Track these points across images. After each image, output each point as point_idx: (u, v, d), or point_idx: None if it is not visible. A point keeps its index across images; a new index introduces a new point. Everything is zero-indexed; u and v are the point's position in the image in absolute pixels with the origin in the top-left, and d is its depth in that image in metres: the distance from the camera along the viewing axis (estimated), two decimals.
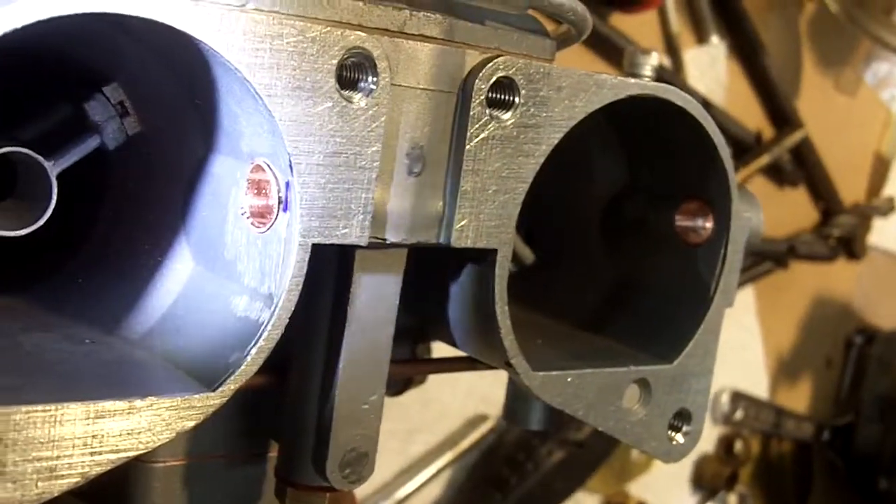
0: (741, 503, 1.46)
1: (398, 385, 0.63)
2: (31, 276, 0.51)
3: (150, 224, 0.49)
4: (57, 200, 0.44)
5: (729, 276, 0.59)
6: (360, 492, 1.09)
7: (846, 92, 1.50)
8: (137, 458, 0.50)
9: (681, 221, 0.60)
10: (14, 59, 0.49)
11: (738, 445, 1.42)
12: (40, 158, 0.43)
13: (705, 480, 1.43)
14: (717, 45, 1.30)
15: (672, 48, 1.25)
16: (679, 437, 0.59)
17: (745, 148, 1.35)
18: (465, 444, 1.10)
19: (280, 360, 0.50)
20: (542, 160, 0.48)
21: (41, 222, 0.44)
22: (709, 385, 0.60)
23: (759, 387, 1.50)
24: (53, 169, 0.44)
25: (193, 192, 0.47)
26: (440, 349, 0.62)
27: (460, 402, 1.11)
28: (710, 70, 1.30)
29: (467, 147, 0.46)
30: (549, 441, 1.09)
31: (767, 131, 1.38)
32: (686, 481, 1.44)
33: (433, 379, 1.09)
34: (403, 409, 1.06)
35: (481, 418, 1.13)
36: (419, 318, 0.60)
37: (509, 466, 1.09)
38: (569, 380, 0.52)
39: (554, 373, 0.51)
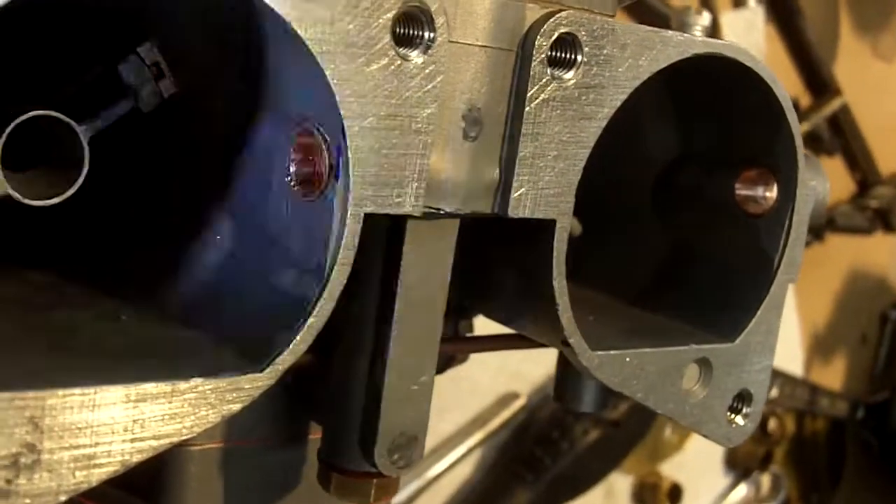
0: (775, 483, 1.44)
1: (442, 362, 0.59)
2: (61, 249, 0.48)
3: (189, 194, 0.46)
4: (90, 168, 0.41)
5: (794, 249, 0.55)
6: None
7: (884, 58, 1.45)
8: None
9: (740, 190, 0.57)
10: (45, 20, 0.46)
11: (773, 424, 1.39)
12: (71, 122, 0.39)
13: (739, 460, 1.40)
14: (754, 10, 1.26)
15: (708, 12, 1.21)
16: (739, 420, 0.56)
17: None
18: (496, 422, 1.07)
19: (324, 339, 0.47)
20: (604, 123, 0.45)
21: (73, 190, 0.41)
22: (770, 364, 0.57)
23: (793, 363, 1.47)
24: (85, 133, 0.41)
25: (234, 159, 0.44)
26: (480, 326, 0.59)
27: (491, 379, 1.09)
28: (748, 36, 1.25)
29: (526, 109, 0.42)
30: (584, 420, 1.06)
31: (805, 99, 1.34)
32: (719, 461, 1.41)
33: None
34: (434, 387, 1.04)
35: (512, 396, 1.11)
36: (464, 293, 0.57)
37: (542, 446, 1.06)
38: (627, 360, 0.49)
39: (613, 352, 0.48)
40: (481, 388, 1.09)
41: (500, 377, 1.09)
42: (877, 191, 1.42)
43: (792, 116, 0.53)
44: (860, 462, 1.51)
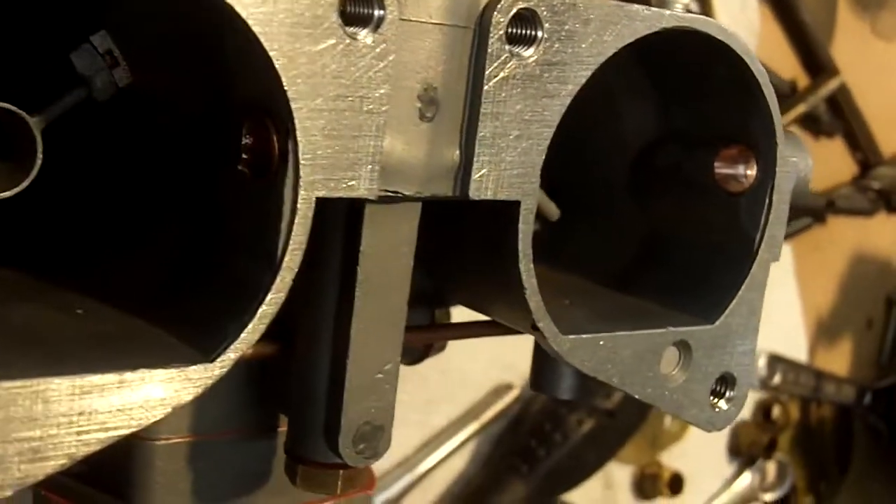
0: (780, 471, 1.42)
1: (416, 353, 0.59)
2: (17, 244, 0.47)
3: (145, 184, 0.46)
4: (48, 161, 0.40)
5: (774, 228, 0.54)
6: (380, 466, 1.06)
7: (884, 37, 1.42)
8: (138, 436, 0.47)
9: (720, 168, 0.55)
10: None
11: (777, 411, 1.37)
12: (21, 112, 0.39)
13: (743, 448, 1.38)
14: None
15: None
16: (722, 404, 0.55)
17: (780, 97, 1.29)
18: (489, 414, 1.06)
19: (287, 328, 0.46)
20: (568, 101, 0.44)
21: (26, 183, 0.40)
22: (754, 346, 0.56)
23: (797, 349, 1.45)
24: (38, 124, 0.41)
25: (188, 146, 0.43)
26: (461, 315, 0.58)
27: (482, 370, 1.07)
28: (741, 15, 1.23)
29: (485, 88, 0.41)
30: (578, 410, 1.05)
31: (802, 80, 1.32)
32: (723, 449, 1.40)
33: (452, 347, 1.05)
34: (422, 378, 1.03)
35: (505, 387, 1.09)
36: (437, 281, 0.56)
37: (536, 437, 1.05)
38: (601, 343, 0.48)
39: (585, 336, 0.47)
40: (473, 380, 1.08)
41: (493, 369, 1.08)
42: (879, 172, 1.40)
43: (769, 91, 0.51)
44: (869, 448, 1.49)
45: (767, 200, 0.53)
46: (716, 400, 0.54)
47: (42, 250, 0.47)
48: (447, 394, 1.05)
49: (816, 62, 1.32)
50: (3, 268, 0.46)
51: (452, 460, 1.06)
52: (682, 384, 0.52)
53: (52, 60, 0.45)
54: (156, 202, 0.44)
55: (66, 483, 0.49)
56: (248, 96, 0.39)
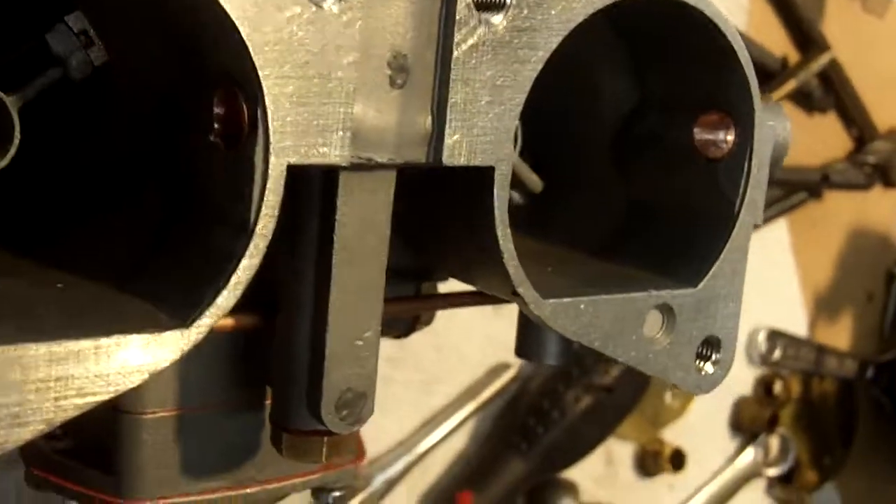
0: (783, 446, 1.42)
1: (404, 325, 0.59)
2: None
3: (123, 159, 0.46)
4: (27, 141, 0.41)
5: (755, 191, 0.54)
6: (379, 447, 1.07)
7: (874, 12, 1.42)
8: (124, 410, 0.48)
9: (700, 135, 0.56)
10: None
11: (778, 386, 1.37)
12: None
13: (744, 424, 1.38)
14: None
15: None
16: (708, 367, 0.55)
17: (770, 74, 1.28)
18: (487, 393, 1.07)
19: (269, 299, 0.47)
20: (539, 66, 0.44)
21: (5, 163, 0.41)
22: (738, 309, 0.56)
23: (797, 324, 1.45)
24: (14, 103, 0.41)
25: (163, 119, 0.44)
26: (451, 289, 0.59)
27: (479, 350, 1.08)
28: None
29: (455, 55, 0.42)
30: (575, 387, 1.05)
31: (793, 56, 1.32)
32: (724, 425, 1.40)
33: (449, 327, 1.06)
34: (418, 359, 1.03)
35: (503, 366, 1.10)
36: (422, 254, 0.56)
37: (535, 415, 1.05)
38: (582, 307, 0.48)
39: (566, 300, 0.48)
40: (471, 360, 1.08)
41: (490, 348, 1.08)
42: (874, 146, 1.39)
43: (743, 55, 0.51)
44: (872, 422, 1.49)
45: (746, 165, 0.54)
46: (701, 363, 0.55)
47: (22, 226, 0.48)
48: (444, 374, 1.06)
49: (807, 38, 1.31)
50: None
51: (451, 440, 1.06)
52: (667, 347, 0.52)
53: (27, 41, 0.46)
54: (133, 176, 0.45)
55: (54, 459, 0.50)
56: (217, 67, 0.39)
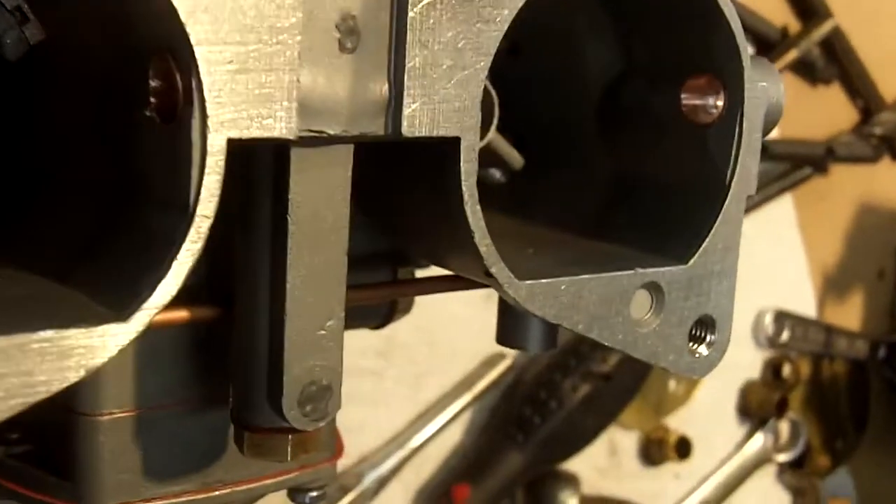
0: (793, 430, 1.38)
1: (382, 314, 0.56)
2: None
3: (67, 142, 0.43)
4: None
5: (747, 159, 0.51)
6: (372, 442, 1.04)
7: None
8: (79, 412, 0.45)
9: (687, 100, 0.52)
10: None
11: (787, 369, 1.33)
12: None
13: (753, 409, 1.35)
14: None
15: None
16: (702, 349, 0.52)
17: (770, 44, 1.24)
18: (482, 384, 1.03)
19: (227, 289, 0.44)
20: (505, 26, 0.41)
21: None
22: (733, 286, 0.53)
23: (805, 305, 1.41)
24: None
25: (105, 98, 0.41)
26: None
27: (472, 341, 1.04)
28: None
29: (410, 15, 0.38)
30: (573, 376, 1.02)
31: (793, 25, 1.28)
32: (732, 411, 1.36)
33: (439, 320, 1.03)
34: (410, 352, 1.00)
35: (498, 357, 1.06)
36: (395, 237, 0.53)
37: (531, 405, 1.02)
38: (563, 287, 0.45)
39: (544, 281, 0.44)
40: (464, 352, 1.05)
41: (483, 339, 1.05)
42: (881, 117, 1.35)
43: (729, 11, 0.48)
44: (885, 403, 1.45)
45: (737, 129, 0.50)
46: (695, 345, 0.51)
47: None
48: (437, 367, 1.02)
49: (808, 6, 1.27)
50: None
51: (446, 433, 1.03)
52: (656, 329, 0.49)
53: None
54: (74, 159, 0.42)
55: (9, 464, 0.47)
56: (150, 36, 0.36)
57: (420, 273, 0.57)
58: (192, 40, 0.34)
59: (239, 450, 0.43)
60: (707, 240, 0.50)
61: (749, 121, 0.50)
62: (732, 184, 0.50)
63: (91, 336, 0.34)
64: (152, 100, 0.36)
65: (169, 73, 0.35)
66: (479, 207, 0.42)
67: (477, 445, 1.05)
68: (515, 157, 0.57)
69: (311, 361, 0.41)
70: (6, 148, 0.45)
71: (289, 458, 0.42)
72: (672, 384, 1.22)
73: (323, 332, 0.41)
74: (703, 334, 0.52)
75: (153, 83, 0.36)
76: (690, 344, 0.51)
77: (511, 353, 1.06)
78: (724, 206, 0.50)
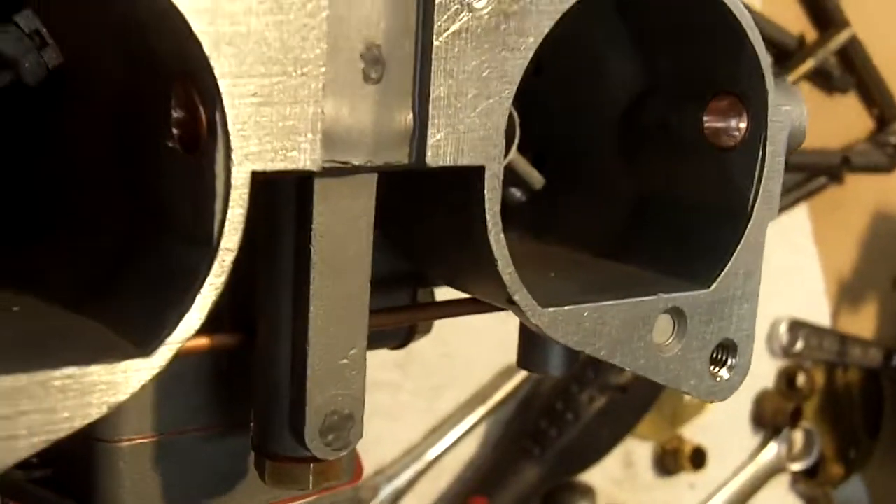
0: (807, 439, 1.37)
1: (401, 336, 0.56)
2: None
3: (84, 170, 0.43)
4: None
5: (770, 183, 0.50)
6: (387, 455, 1.03)
7: None
8: (99, 438, 0.45)
9: (710, 122, 0.52)
10: None
11: (801, 379, 1.32)
12: None
13: (767, 418, 1.34)
14: None
15: None
16: (724, 373, 0.51)
17: (786, 53, 1.24)
18: (498, 397, 1.03)
19: (249, 317, 0.43)
20: (530, 54, 0.41)
21: None
22: (754, 310, 0.52)
23: (819, 314, 1.40)
24: None
25: (124, 127, 0.41)
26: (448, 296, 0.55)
27: (488, 353, 1.04)
28: None
29: (436, 43, 0.38)
30: (589, 387, 1.01)
31: (810, 34, 1.27)
32: (746, 421, 1.35)
33: (456, 332, 1.02)
34: (426, 365, 1.00)
35: (513, 369, 1.06)
36: (414, 261, 0.53)
37: (547, 418, 1.01)
38: (586, 314, 0.45)
39: (567, 308, 0.44)
40: (480, 364, 1.05)
41: (499, 351, 1.04)
42: None
43: (754, 35, 0.48)
44: None
45: (760, 153, 0.50)
46: (716, 369, 0.51)
47: None
48: (453, 379, 1.02)
49: (825, 15, 1.26)
50: None
51: (461, 446, 1.03)
52: (678, 354, 0.49)
53: None
54: (95, 189, 0.42)
55: (29, 489, 0.47)
56: (173, 67, 0.36)
57: (439, 293, 0.57)
58: (217, 73, 0.33)
59: (260, 478, 0.43)
60: (730, 264, 0.50)
61: (773, 145, 0.50)
62: (755, 207, 0.50)
63: (114, 372, 0.33)
64: (175, 131, 0.36)
65: (192, 104, 0.35)
66: (502, 236, 0.41)
67: (492, 458, 1.04)
68: (535, 177, 0.57)
69: (333, 391, 0.40)
70: (20, 173, 0.45)
71: (311, 487, 0.42)
72: (687, 395, 1.21)
73: (345, 360, 0.41)
74: (724, 358, 0.51)
75: (176, 114, 0.36)
76: (712, 368, 0.51)
77: None
78: (747, 231, 0.50)
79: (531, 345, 0.50)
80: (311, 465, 0.42)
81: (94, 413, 0.33)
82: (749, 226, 0.50)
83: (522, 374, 1.06)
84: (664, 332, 0.48)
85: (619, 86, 0.56)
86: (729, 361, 0.51)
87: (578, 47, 0.57)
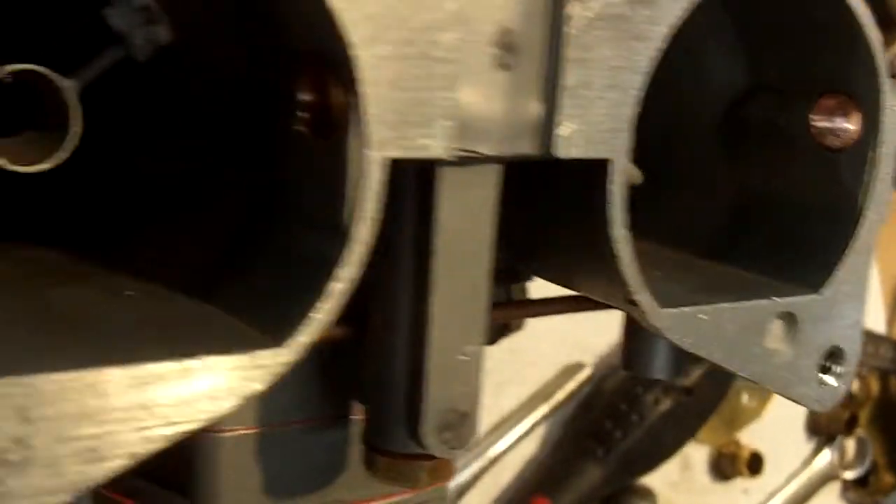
0: (860, 448, 1.35)
1: (493, 332, 0.54)
2: (58, 223, 0.44)
3: (198, 152, 0.42)
4: (90, 132, 0.36)
5: (881, 186, 0.49)
6: None
7: None
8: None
9: (817, 122, 0.50)
10: None
11: (856, 386, 1.30)
12: (54, 75, 0.35)
13: (822, 426, 1.32)
14: None
15: None
16: (831, 380, 0.50)
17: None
18: (561, 395, 1.01)
19: (360, 308, 0.42)
20: (660, 44, 0.39)
21: (65, 154, 0.37)
22: (861, 317, 0.51)
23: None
24: (72, 89, 0.37)
25: (242, 108, 0.40)
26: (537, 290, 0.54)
27: (553, 350, 1.02)
28: None
29: (570, 31, 0.37)
30: (654, 389, 1.00)
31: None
32: (801, 427, 1.33)
33: (520, 330, 1.01)
34: (490, 361, 0.98)
35: (577, 367, 1.04)
36: (513, 254, 0.52)
37: (611, 418, 1.00)
38: (703, 317, 0.43)
39: (686, 310, 0.43)
40: (544, 360, 1.03)
41: (563, 347, 1.03)
42: None
43: (872, 33, 0.46)
44: None
45: (871, 155, 0.48)
46: (824, 376, 0.50)
47: (84, 228, 0.44)
48: (516, 375, 1.00)
49: (887, 16, 1.24)
50: (41, 249, 0.43)
51: (524, 444, 1.01)
52: (789, 360, 0.47)
53: (84, 17, 0.42)
54: (208, 171, 0.41)
55: (125, 479, 0.46)
56: (304, 47, 0.35)
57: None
58: (356, 54, 0.32)
59: (371, 473, 0.42)
60: (839, 268, 0.48)
61: (885, 145, 0.48)
62: (866, 212, 0.48)
63: (251, 362, 0.33)
64: (304, 114, 0.35)
65: (324, 86, 0.34)
66: (627, 233, 0.40)
67: (554, 457, 1.03)
68: (634, 174, 0.55)
69: (451, 388, 0.39)
70: (134, 153, 0.44)
71: (423, 485, 0.41)
72: (745, 398, 1.19)
73: (464, 356, 0.40)
74: (831, 365, 0.50)
75: (305, 96, 0.35)
76: (820, 375, 0.49)
77: (590, 363, 1.04)
78: (857, 234, 0.48)
79: (638, 347, 0.49)
80: (426, 462, 0.41)
81: (228, 404, 0.32)
82: (859, 229, 0.48)
83: (585, 372, 1.05)
84: (776, 337, 0.47)
85: (723, 81, 0.54)
86: (836, 368, 0.50)
87: (682, 44, 0.55)
